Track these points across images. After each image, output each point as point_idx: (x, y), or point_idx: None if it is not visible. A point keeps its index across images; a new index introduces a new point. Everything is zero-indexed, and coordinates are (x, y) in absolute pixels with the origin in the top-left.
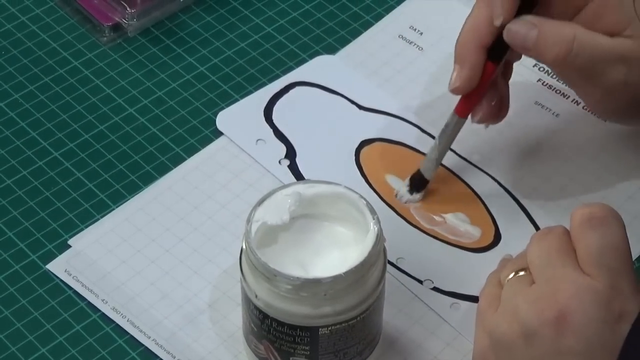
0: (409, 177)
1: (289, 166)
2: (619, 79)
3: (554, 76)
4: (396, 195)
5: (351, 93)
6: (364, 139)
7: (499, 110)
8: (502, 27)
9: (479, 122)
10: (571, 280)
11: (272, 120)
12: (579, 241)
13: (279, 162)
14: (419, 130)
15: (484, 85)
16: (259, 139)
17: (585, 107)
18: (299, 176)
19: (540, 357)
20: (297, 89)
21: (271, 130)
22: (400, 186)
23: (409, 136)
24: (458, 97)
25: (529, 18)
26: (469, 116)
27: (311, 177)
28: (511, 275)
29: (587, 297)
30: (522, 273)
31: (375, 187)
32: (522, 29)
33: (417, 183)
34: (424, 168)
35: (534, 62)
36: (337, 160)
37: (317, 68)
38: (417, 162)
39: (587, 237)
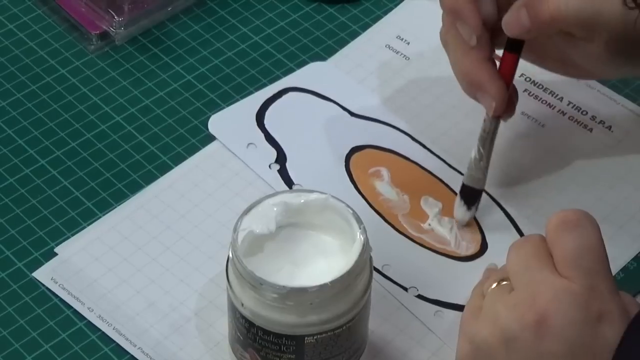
0: (459, 197)
1: (278, 171)
2: (618, 11)
3: (540, 86)
4: (461, 224)
5: (343, 100)
6: (354, 145)
7: (512, 100)
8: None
9: (507, 119)
10: (549, 284)
11: (263, 124)
12: (554, 245)
13: (269, 166)
14: (409, 139)
15: (511, 80)
16: (249, 143)
17: (571, 117)
18: (288, 181)
19: None
20: (290, 94)
21: (262, 135)
22: (457, 210)
23: (400, 144)
24: (447, 106)
25: (515, 4)
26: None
27: (301, 182)
28: (493, 286)
29: (566, 299)
30: (504, 283)
31: (364, 194)
32: (512, 16)
33: (470, 197)
34: (472, 180)
35: (520, 72)
36: (327, 166)
37: (310, 74)
38: (407, 169)
39: (563, 240)
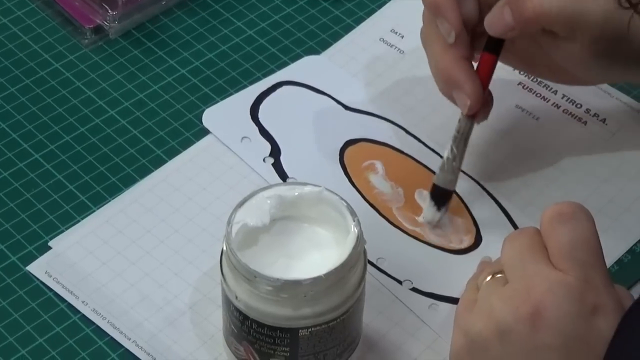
0: (429, 198)
1: (273, 164)
2: (600, 9)
3: (535, 79)
4: (430, 224)
5: (338, 93)
6: (348, 139)
7: (487, 103)
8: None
9: (480, 121)
10: (544, 276)
11: (258, 118)
12: (549, 237)
13: (264, 160)
14: (403, 132)
15: (488, 81)
16: (244, 137)
17: (566, 110)
18: (282, 174)
19: (516, 353)
20: (284, 88)
21: (257, 129)
22: (426, 211)
23: (394, 137)
24: (441, 99)
25: (498, 3)
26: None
27: (295, 175)
28: (488, 279)
29: (561, 292)
30: (498, 276)
31: (359, 187)
32: (495, 14)
33: (441, 198)
34: (442, 181)
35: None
36: (321, 160)
37: (304, 68)
38: (401, 163)
39: (557, 232)
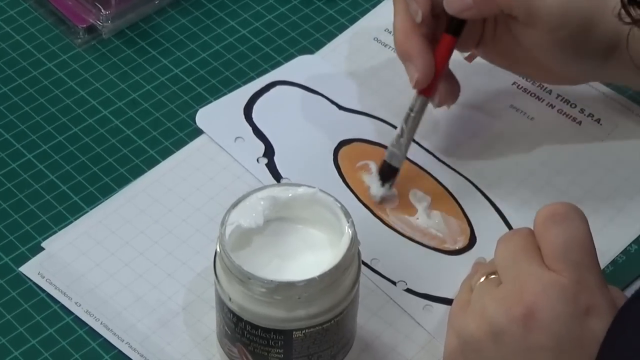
0: (377, 172)
1: (266, 164)
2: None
3: (529, 79)
4: (374, 199)
5: (331, 93)
6: (342, 139)
7: (453, 88)
8: (429, 17)
9: (440, 104)
10: (537, 277)
11: (251, 118)
12: (542, 238)
13: (257, 160)
14: None
15: (445, 61)
16: (237, 137)
17: (560, 110)
18: (276, 175)
19: (509, 354)
20: (278, 88)
21: (250, 129)
22: (372, 185)
23: (388, 137)
24: None
25: None
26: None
27: (289, 175)
28: (482, 279)
29: (554, 293)
30: (492, 277)
31: (353, 187)
32: None
33: (387, 174)
34: (391, 157)
35: None
36: (315, 160)
37: (298, 68)
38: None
39: (551, 233)
